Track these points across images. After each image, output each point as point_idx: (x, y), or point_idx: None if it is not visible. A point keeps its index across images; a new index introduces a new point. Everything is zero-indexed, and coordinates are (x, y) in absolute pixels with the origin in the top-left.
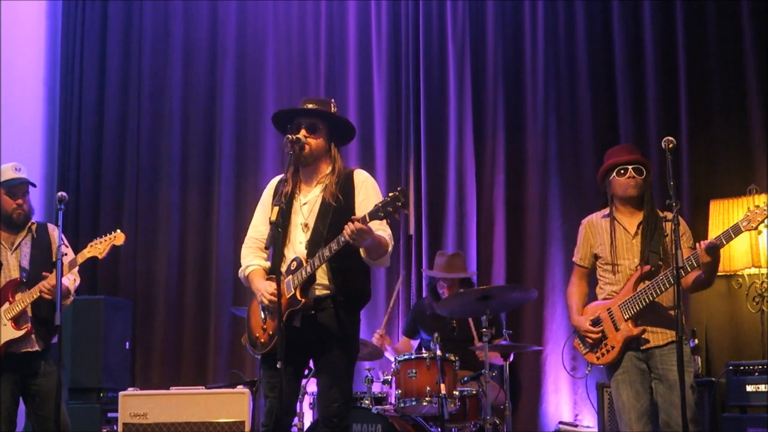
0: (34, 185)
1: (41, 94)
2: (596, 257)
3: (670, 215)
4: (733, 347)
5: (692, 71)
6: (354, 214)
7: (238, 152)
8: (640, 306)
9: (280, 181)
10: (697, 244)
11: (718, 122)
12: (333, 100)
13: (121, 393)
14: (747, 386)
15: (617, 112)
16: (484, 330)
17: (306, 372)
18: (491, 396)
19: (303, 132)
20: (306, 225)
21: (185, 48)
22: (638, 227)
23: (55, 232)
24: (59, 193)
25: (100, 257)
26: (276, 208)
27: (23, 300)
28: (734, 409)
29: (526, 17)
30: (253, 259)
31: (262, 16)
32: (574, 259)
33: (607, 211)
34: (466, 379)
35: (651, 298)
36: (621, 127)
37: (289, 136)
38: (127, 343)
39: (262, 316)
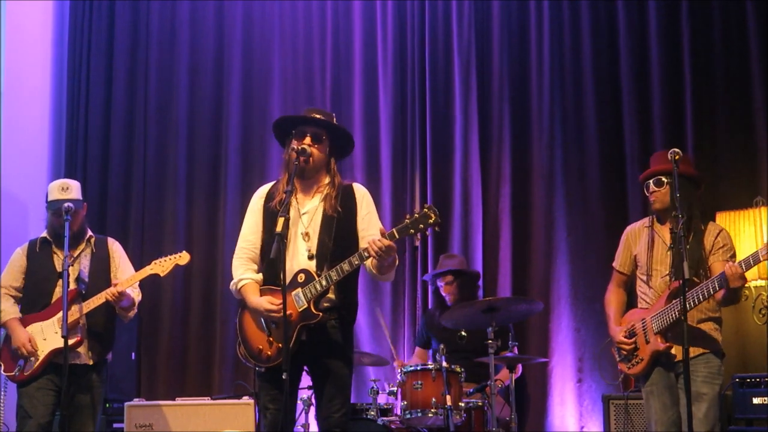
0: (78, 203)
1: (47, 104)
2: (635, 264)
3: (713, 226)
4: (739, 359)
5: (698, 83)
6: (356, 227)
7: (244, 164)
8: (670, 320)
9: (271, 189)
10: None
11: (724, 134)
12: (335, 114)
13: (126, 404)
14: (753, 398)
15: (623, 125)
16: (490, 342)
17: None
18: (496, 411)
19: (308, 140)
20: (307, 234)
21: (191, 60)
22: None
23: (114, 245)
24: (65, 204)
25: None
26: (282, 219)
27: (78, 311)
28: (740, 422)
29: (531, 31)
30: (244, 272)
31: (269, 28)
32: (613, 264)
33: (647, 221)
34: (471, 391)
35: (678, 314)
36: (627, 139)
37: (295, 146)
38: (133, 354)
39: (266, 328)
